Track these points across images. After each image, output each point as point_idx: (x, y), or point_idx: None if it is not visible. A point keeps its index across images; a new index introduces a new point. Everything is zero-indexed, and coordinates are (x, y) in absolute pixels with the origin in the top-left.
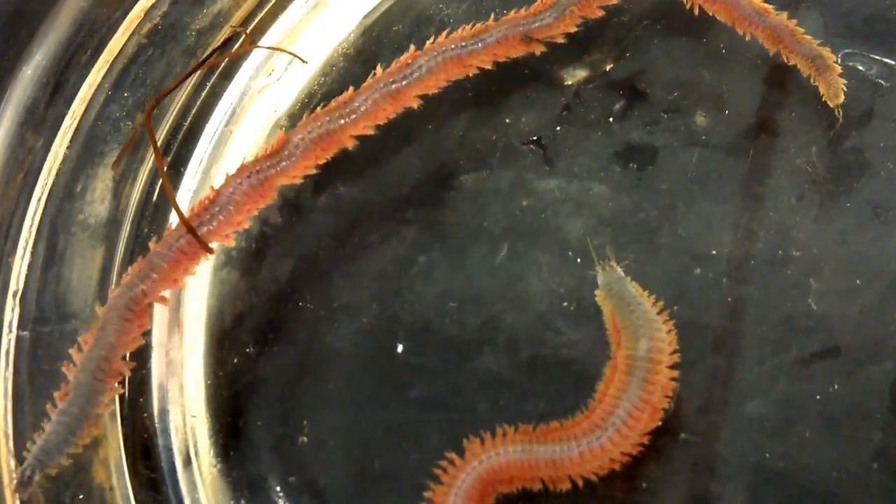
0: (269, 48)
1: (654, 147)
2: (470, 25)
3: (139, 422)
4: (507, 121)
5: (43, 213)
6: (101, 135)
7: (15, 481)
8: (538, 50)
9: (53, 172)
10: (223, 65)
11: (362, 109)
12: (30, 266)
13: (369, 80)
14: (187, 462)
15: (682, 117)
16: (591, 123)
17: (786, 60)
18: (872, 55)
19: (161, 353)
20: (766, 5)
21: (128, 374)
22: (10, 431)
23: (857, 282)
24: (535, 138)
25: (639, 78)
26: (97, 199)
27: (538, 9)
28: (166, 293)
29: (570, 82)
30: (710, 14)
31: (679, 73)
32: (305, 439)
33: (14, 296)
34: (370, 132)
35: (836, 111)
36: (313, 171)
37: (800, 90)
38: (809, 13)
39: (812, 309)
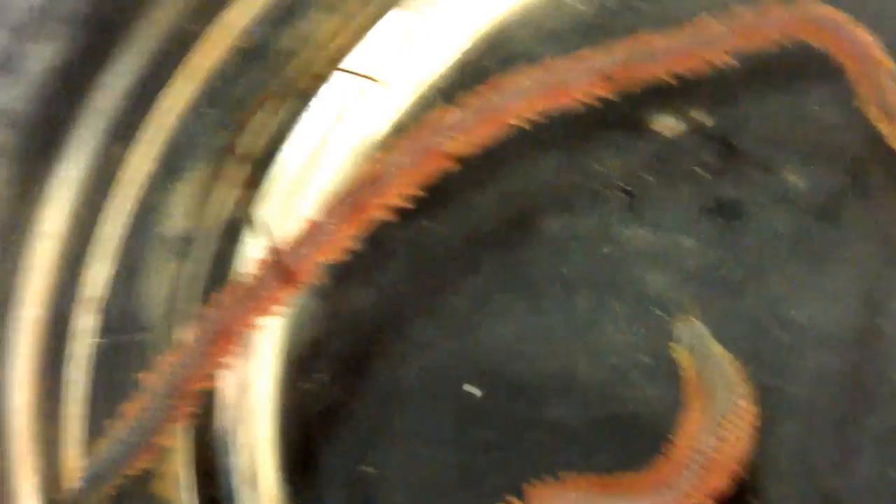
0: (353, 73)
1: (743, 203)
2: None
3: (206, 439)
4: (597, 166)
5: (123, 223)
6: (183, 150)
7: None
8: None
9: (134, 183)
10: (308, 88)
11: (460, 130)
12: (108, 275)
13: (466, 100)
14: (251, 483)
15: (775, 175)
16: (681, 175)
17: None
18: None
19: (234, 372)
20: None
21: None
22: (79, 436)
23: None
24: (622, 186)
25: (733, 133)
26: (175, 214)
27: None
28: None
29: (662, 132)
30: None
31: (774, 131)
32: (370, 470)
33: (90, 303)
34: (457, 160)
35: None
36: (411, 196)
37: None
38: None
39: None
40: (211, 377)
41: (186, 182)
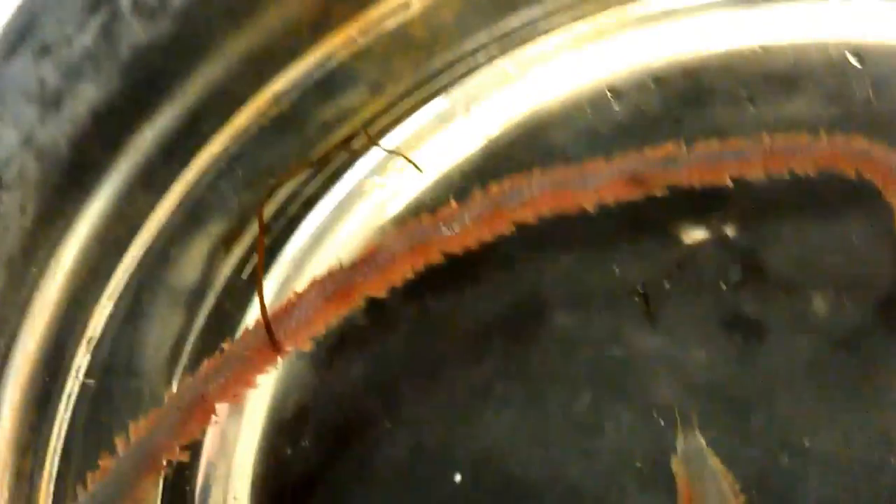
0: (388, 150)
1: (764, 324)
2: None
3: (180, 493)
4: (615, 267)
5: (135, 269)
6: (207, 205)
7: None
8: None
9: (153, 232)
10: (339, 161)
11: (463, 224)
12: (110, 317)
13: (474, 197)
14: None
15: (800, 299)
16: (702, 286)
17: None
18: None
19: (217, 429)
20: None
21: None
22: (54, 473)
23: None
24: (640, 290)
25: (760, 249)
26: (188, 266)
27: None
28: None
29: (687, 241)
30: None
31: (803, 253)
32: None
33: (89, 342)
34: (459, 251)
35: None
36: (399, 283)
37: None
38: None
39: None
40: (184, 444)
41: (204, 238)
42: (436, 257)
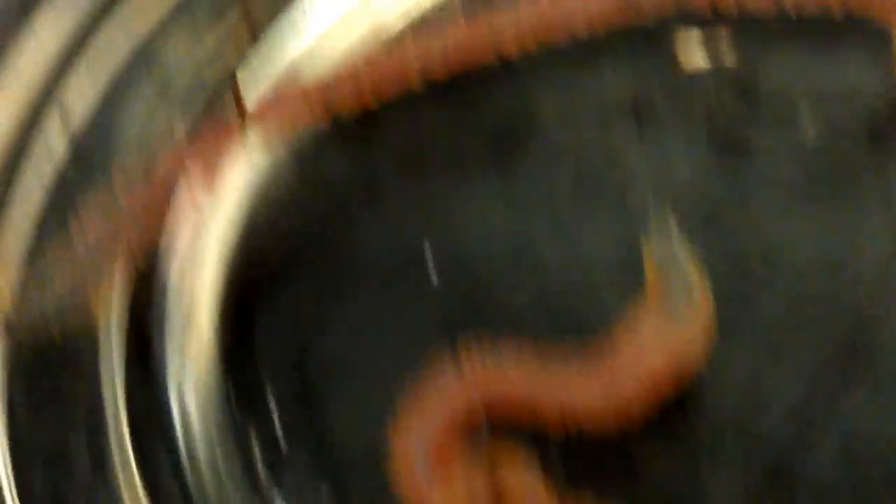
0: None
1: (752, 146)
2: None
3: (147, 275)
4: (611, 83)
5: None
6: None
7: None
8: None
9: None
10: None
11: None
12: (89, 96)
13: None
14: (185, 326)
15: (791, 125)
16: (695, 108)
17: None
18: None
19: (191, 217)
20: None
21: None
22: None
23: None
24: (633, 105)
25: (757, 77)
26: (170, 55)
27: None
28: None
29: (684, 64)
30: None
31: (799, 82)
32: (312, 332)
33: (63, 113)
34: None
35: None
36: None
37: None
38: None
39: (865, 331)
40: (159, 221)
41: (188, 26)
42: (414, 82)
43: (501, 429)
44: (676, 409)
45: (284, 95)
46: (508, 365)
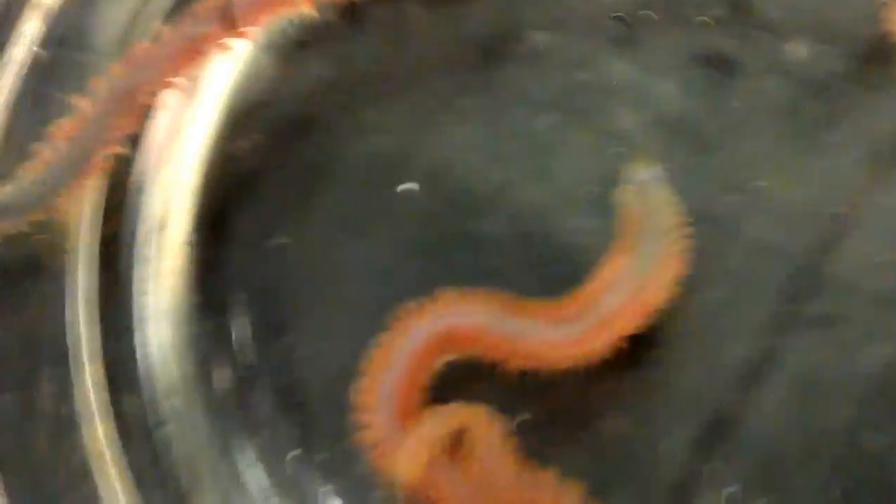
0: None
1: (740, 63)
2: None
3: (122, 176)
4: None
5: None
6: None
7: None
8: None
9: None
10: None
11: None
12: None
13: None
14: (160, 228)
15: (780, 42)
16: (684, 19)
17: None
18: None
19: (167, 114)
20: None
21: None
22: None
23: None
24: (620, 16)
25: None
26: None
27: None
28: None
29: None
30: None
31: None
32: (283, 240)
33: (41, 9)
34: None
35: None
36: None
37: None
38: None
39: (832, 270)
40: (142, 113)
41: None
42: None
43: (465, 388)
44: (635, 348)
45: None
46: (476, 303)
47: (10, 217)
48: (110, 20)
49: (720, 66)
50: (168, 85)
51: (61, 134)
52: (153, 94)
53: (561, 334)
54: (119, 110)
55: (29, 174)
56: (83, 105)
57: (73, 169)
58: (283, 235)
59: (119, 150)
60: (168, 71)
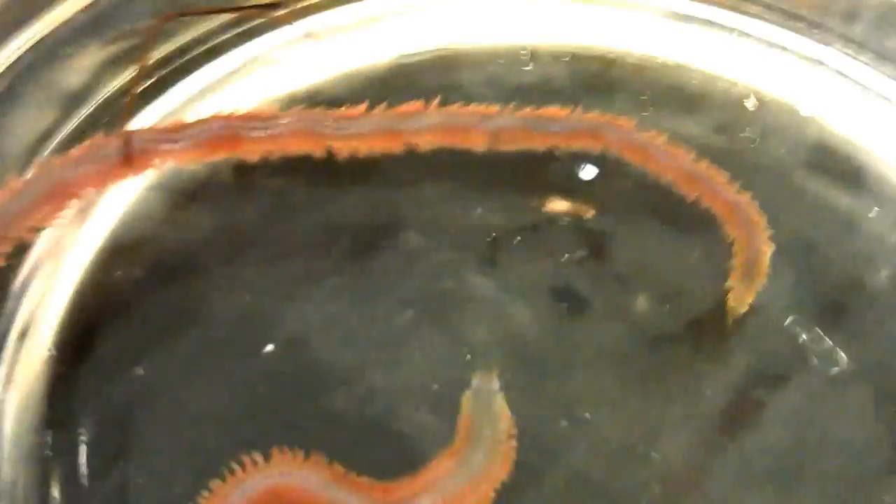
0: (305, 33)
1: (589, 302)
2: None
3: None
4: (477, 209)
5: (23, 54)
6: (116, 17)
7: None
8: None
9: (53, 25)
10: (254, 23)
11: (354, 132)
12: None
13: (367, 111)
14: (21, 335)
15: (628, 293)
16: (548, 252)
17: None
18: (818, 329)
19: (54, 232)
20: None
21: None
22: None
23: None
24: (492, 236)
25: (610, 240)
26: (77, 70)
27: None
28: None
29: (548, 208)
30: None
31: (646, 256)
32: (141, 372)
33: None
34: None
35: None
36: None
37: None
38: (784, 269)
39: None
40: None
41: (102, 49)
42: (319, 150)
43: None
44: None
45: (168, 128)
46: (308, 468)
47: None
48: (22, 132)
49: (572, 302)
50: (40, 223)
51: None
52: (28, 228)
53: None
54: (22, 213)
55: None
56: None
57: None
58: (139, 367)
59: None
60: (38, 210)
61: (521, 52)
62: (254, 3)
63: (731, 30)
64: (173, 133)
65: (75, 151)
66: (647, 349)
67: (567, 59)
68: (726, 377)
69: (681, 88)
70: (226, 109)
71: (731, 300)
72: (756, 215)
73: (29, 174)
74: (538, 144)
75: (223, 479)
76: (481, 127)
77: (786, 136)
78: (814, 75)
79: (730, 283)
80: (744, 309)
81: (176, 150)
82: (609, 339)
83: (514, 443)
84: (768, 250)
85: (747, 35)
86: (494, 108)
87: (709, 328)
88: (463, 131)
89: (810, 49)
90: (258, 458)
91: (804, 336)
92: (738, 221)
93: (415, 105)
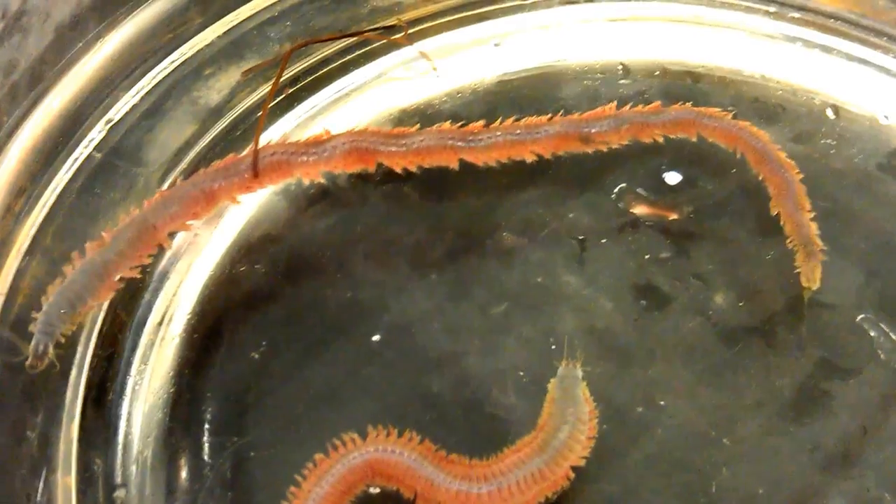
0: (421, 53)
1: (668, 298)
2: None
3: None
4: (568, 213)
5: (168, 74)
6: (250, 42)
7: (29, 358)
8: (592, 149)
9: (195, 48)
10: (374, 45)
11: (489, 141)
12: (134, 107)
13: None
14: (159, 323)
15: (706, 290)
16: (631, 253)
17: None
18: (885, 326)
19: (191, 234)
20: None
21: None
22: (39, 220)
23: (761, 490)
24: (581, 237)
25: (689, 240)
26: (216, 87)
27: (600, 114)
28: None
29: (634, 211)
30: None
31: (726, 258)
32: (256, 356)
33: (108, 122)
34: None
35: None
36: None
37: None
38: (856, 269)
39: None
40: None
41: (238, 68)
42: (453, 163)
43: None
44: None
45: (290, 145)
46: (403, 444)
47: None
48: (164, 143)
49: (652, 299)
50: (184, 227)
51: (85, 253)
52: (171, 233)
53: (466, 491)
54: (138, 243)
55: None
56: (105, 233)
57: (88, 290)
58: (260, 352)
59: (134, 275)
60: (185, 215)
61: (617, 67)
62: (374, 27)
63: (813, 45)
64: (305, 147)
65: (216, 164)
66: (723, 343)
67: (658, 73)
68: (797, 370)
69: (764, 100)
70: (348, 125)
71: (803, 281)
72: (801, 191)
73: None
74: (644, 136)
75: (326, 454)
76: (594, 129)
77: (863, 142)
78: (892, 86)
79: (797, 264)
80: (815, 286)
81: (309, 162)
82: (686, 333)
83: (594, 426)
84: (814, 225)
85: (828, 50)
86: (603, 109)
87: (781, 324)
88: (576, 136)
89: (888, 62)
90: (356, 435)
91: (873, 332)
92: (784, 198)
93: (536, 118)
